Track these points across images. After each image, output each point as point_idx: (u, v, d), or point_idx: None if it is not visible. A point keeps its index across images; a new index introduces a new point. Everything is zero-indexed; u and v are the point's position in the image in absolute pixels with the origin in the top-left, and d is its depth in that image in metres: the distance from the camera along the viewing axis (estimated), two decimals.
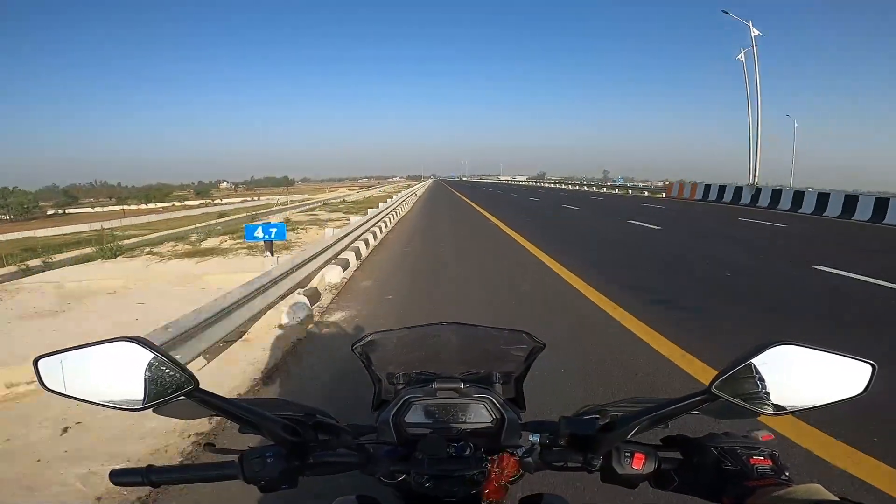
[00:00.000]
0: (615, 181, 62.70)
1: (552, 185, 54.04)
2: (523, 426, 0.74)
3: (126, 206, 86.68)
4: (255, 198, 72.80)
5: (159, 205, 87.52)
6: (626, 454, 0.68)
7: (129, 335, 0.60)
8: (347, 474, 0.72)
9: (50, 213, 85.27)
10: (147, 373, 0.58)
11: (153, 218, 46.87)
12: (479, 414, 0.75)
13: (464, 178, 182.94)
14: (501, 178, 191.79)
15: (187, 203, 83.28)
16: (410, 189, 33.94)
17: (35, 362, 0.59)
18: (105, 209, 77.06)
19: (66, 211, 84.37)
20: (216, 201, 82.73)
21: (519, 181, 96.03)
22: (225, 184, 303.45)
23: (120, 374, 0.58)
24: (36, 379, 0.59)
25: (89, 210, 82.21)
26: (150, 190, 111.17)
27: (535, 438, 0.71)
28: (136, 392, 0.58)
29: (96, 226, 41.43)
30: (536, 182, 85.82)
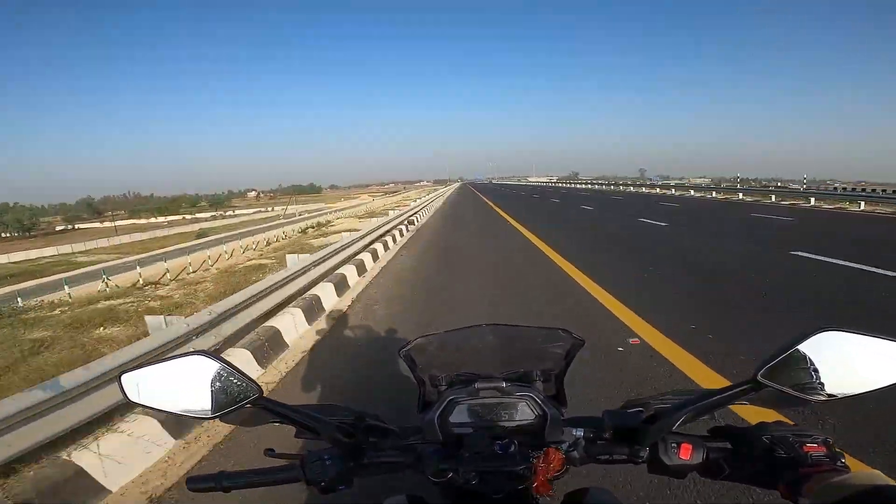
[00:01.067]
0: (651, 179, 60.20)
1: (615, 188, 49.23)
2: (566, 422, 0.77)
3: (136, 221, 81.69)
4: (271, 208, 66.74)
5: (169, 218, 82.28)
6: (673, 445, 0.70)
7: (199, 350, 0.69)
8: (396, 475, 0.78)
9: (59, 228, 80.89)
10: (216, 383, 0.66)
11: (143, 236, 47.47)
12: (522, 411, 0.78)
13: (493, 181, 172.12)
14: (531, 179, 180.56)
15: (198, 216, 78.09)
16: (417, 202, 26.97)
17: (119, 378, 0.69)
18: (113, 224, 72.30)
19: (76, 226, 79.83)
20: (228, 212, 77.18)
21: (558, 184, 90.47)
22: (253, 192, 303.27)
23: (191, 385, 0.66)
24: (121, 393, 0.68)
25: (97, 225, 77.68)
26: (164, 202, 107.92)
27: (580, 433, 0.74)
28: (206, 401, 0.66)
29: (66, 248, 41.84)
30: (568, 183, 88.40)
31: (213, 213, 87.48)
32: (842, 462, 0.60)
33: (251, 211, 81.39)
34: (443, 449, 0.75)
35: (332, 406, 0.78)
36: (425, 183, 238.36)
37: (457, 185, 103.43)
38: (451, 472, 0.71)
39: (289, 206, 72.73)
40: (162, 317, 3.23)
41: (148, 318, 3.23)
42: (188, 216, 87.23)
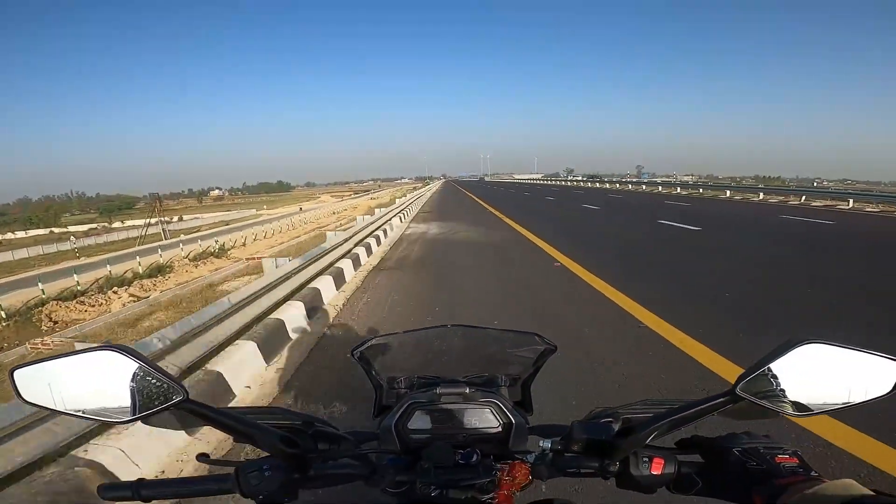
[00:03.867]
0: (643, 177, 68.31)
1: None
2: (531, 430, 0.78)
3: None
4: (172, 218, 38.78)
5: (32, 232, 55.54)
6: (644, 459, 0.70)
7: (113, 343, 0.64)
8: (350, 485, 0.76)
9: None
10: (132, 383, 0.60)
11: None
12: (486, 419, 0.77)
13: (485, 178, 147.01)
14: (516, 177, 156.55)
15: (74, 229, 52.13)
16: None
17: (11, 373, 0.63)
18: None
19: None
20: (116, 224, 51.52)
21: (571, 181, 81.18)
22: (216, 191, 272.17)
23: (104, 384, 0.61)
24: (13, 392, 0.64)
25: None
26: (39, 209, 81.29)
27: (547, 445, 0.74)
28: (123, 403, 0.61)
29: None
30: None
31: (96, 226, 60.95)
32: (815, 473, 0.61)
33: (140, 223, 55.42)
34: (400, 459, 0.74)
35: (278, 409, 0.75)
36: (407, 180, 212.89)
37: (436, 184, 78.79)
38: (408, 484, 0.70)
39: (149, 223, 45.02)
40: None
41: None
42: (57, 230, 61.14)
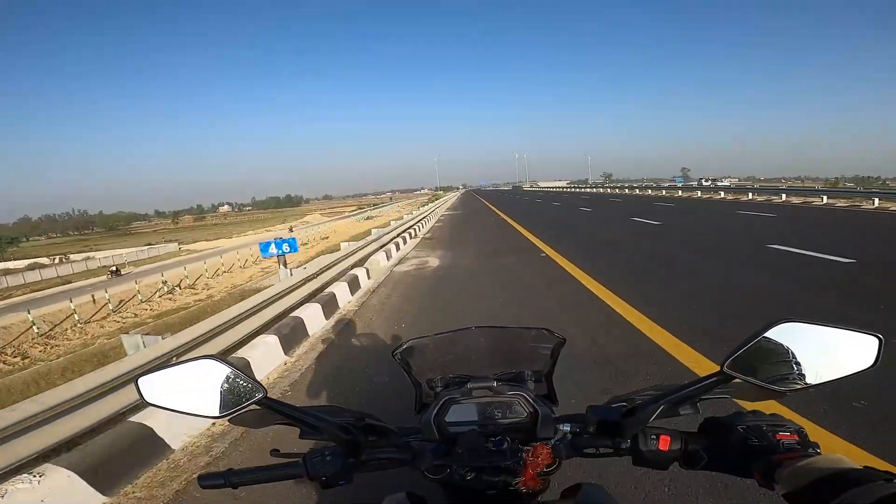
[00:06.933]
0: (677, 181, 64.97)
1: None
2: (556, 419, 0.89)
3: None
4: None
5: None
6: (653, 437, 0.81)
7: (208, 354, 0.81)
8: (396, 473, 0.90)
9: None
10: (224, 385, 0.78)
11: None
12: (514, 410, 0.90)
13: (525, 187, 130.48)
14: (541, 184, 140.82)
15: None
16: None
17: (136, 381, 0.81)
18: None
19: None
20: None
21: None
22: (225, 206, 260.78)
23: (202, 387, 0.79)
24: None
25: None
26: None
27: (566, 428, 0.87)
28: (216, 402, 0.78)
29: None
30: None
31: None
32: (813, 450, 0.68)
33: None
34: (439, 447, 0.87)
35: (335, 407, 0.91)
36: (426, 191, 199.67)
37: (453, 196, 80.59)
38: (446, 468, 0.83)
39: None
40: None
41: None
42: None
